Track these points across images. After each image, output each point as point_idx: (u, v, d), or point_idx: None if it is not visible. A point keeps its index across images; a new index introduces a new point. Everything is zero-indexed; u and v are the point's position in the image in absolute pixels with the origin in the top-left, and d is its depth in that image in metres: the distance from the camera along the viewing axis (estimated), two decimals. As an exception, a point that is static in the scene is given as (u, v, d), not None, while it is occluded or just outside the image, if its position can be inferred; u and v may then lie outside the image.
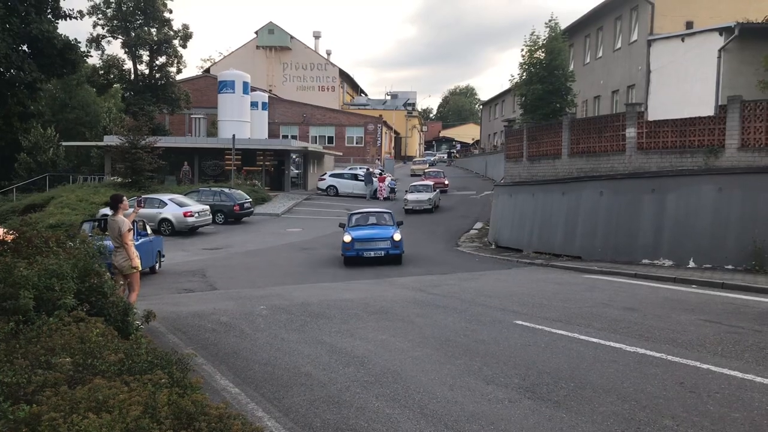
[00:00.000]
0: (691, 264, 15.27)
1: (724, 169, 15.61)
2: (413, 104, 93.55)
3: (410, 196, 34.27)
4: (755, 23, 19.60)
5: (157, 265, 17.96)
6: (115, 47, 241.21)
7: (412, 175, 55.43)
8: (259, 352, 8.45)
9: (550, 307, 11.09)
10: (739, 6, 22.02)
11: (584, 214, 18.73)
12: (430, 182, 38.40)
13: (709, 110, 18.69)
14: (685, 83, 22.88)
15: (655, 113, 19.03)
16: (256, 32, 68.81)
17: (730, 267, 14.55)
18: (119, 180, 34.73)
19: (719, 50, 20.57)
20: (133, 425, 3.03)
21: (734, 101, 15.82)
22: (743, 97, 15.98)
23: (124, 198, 10.14)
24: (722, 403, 5.92)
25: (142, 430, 3.01)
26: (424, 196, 34.30)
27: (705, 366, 7.05)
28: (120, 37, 43.70)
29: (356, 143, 58.35)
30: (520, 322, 9.72)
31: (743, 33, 19.88)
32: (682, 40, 23.47)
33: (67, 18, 15.45)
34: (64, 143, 45.97)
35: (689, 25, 24.35)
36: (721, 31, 20.76)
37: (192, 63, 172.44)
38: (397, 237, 18.79)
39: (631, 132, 18.12)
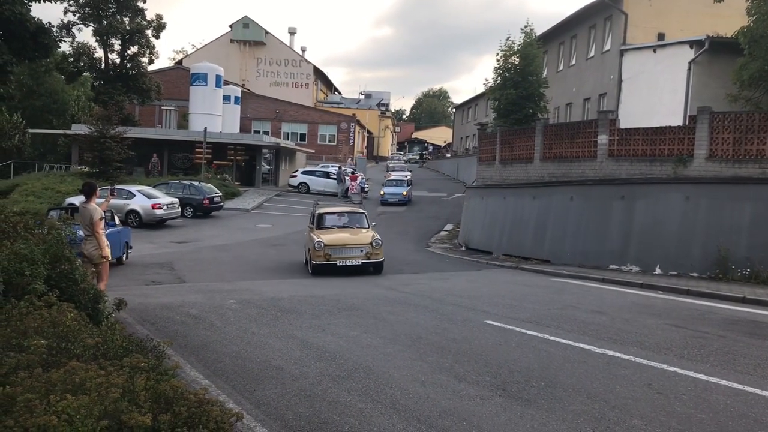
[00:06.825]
0: (658, 270, 15.54)
1: (692, 179, 15.91)
2: (387, 105, 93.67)
3: None
4: (724, 38, 19.99)
5: (124, 256, 17.71)
6: (86, 35, 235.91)
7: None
8: (229, 345, 8.37)
9: (520, 308, 11.19)
10: (708, 20, 22.47)
11: (554, 218, 18.95)
12: None
13: (677, 120, 19.04)
14: (655, 93, 23.29)
15: (625, 121, 19.30)
16: (231, 26, 68.23)
17: (695, 274, 14.85)
18: (86, 169, 34.09)
19: (689, 62, 20.98)
20: (111, 407, 2.98)
21: (704, 112, 16.12)
22: (712, 108, 16.31)
23: (97, 187, 10.00)
24: (689, 404, 6.04)
25: (122, 413, 2.97)
26: None
27: (672, 369, 7.18)
28: (91, 24, 42.78)
29: (329, 141, 58.20)
30: (490, 322, 9.79)
31: (713, 47, 20.31)
32: (654, 51, 23.89)
33: (41, 1, 15.13)
34: (30, 130, 44.96)
35: (661, 36, 24.82)
36: (691, 44, 21.18)
37: (164, 54, 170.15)
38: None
39: (602, 139, 18.37)
